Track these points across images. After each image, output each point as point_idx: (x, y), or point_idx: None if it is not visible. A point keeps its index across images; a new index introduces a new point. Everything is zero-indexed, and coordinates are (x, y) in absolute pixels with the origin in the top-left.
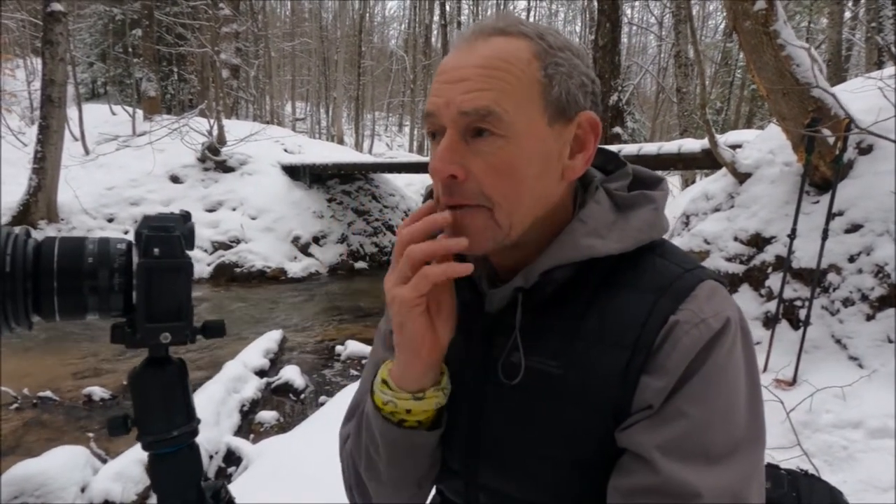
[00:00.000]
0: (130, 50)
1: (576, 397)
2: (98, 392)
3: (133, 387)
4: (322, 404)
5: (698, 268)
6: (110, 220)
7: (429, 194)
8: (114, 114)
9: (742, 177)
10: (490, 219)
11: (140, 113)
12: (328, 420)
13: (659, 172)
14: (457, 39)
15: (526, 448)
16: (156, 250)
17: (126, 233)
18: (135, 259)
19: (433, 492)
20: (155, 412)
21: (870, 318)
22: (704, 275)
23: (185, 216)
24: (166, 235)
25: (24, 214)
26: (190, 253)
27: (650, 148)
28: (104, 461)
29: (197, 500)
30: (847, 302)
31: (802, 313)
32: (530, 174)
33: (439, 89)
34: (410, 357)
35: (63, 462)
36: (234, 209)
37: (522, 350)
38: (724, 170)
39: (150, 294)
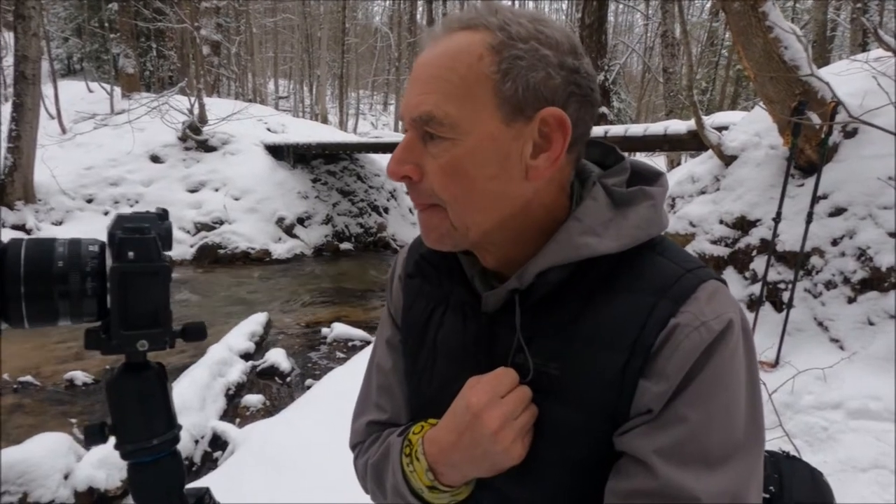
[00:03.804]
0: (107, 25)
1: (573, 399)
2: (80, 377)
3: (110, 394)
4: (308, 387)
5: (700, 267)
6: (89, 201)
7: None
8: (91, 91)
9: (728, 159)
10: (445, 219)
11: (118, 90)
12: (314, 404)
13: (645, 154)
14: (428, 34)
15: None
16: (130, 254)
17: (106, 214)
18: (108, 261)
19: None
20: (133, 420)
21: (851, 300)
22: (706, 275)
23: (162, 214)
24: (141, 237)
25: (0, 195)
26: (173, 235)
27: (637, 129)
28: (88, 448)
29: None
30: (829, 285)
31: (786, 296)
32: (482, 175)
33: (406, 90)
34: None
35: (45, 449)
36: (216, 190)
37: (528, 352)
38: (710, 152)
39: (126, 300)
